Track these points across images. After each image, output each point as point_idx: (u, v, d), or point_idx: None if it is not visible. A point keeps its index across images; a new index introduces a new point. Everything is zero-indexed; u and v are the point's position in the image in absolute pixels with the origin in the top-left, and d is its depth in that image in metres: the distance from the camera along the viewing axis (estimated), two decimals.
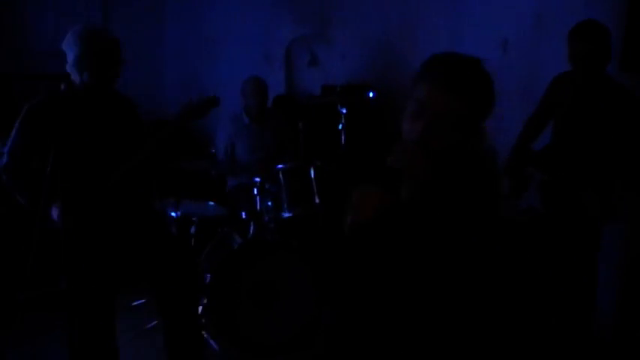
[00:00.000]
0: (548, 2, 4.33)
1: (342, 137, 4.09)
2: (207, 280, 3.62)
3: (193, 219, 4.07)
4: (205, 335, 3.61)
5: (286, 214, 3.82)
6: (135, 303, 4.22)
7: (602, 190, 3.19)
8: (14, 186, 2.89)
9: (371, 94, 5.22)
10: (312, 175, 3.87)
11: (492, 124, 5.01)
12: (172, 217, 3.98)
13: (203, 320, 3.60)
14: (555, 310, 3.51)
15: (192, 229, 4.05)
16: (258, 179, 3.89)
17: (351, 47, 6.23)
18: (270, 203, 3.93)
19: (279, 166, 3.87)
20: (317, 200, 3.84)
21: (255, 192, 3.90)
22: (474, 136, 1.71)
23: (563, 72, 3.49)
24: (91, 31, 2.86)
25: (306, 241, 3.81)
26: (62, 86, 2.76)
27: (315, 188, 3.86)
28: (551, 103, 3.58)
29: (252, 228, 3.88)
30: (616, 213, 3.23)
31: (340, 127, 4.06)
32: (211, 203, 4.45)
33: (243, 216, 4.01)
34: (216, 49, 6.40)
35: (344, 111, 4.03)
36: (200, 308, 3.58)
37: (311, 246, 3.80)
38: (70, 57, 2.81)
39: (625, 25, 3.34)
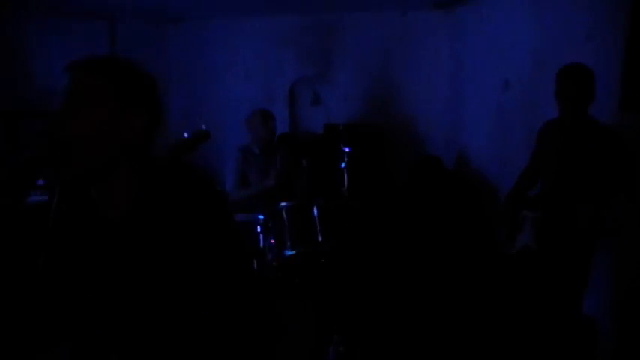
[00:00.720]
0: (548, 42, 4.39)
1: (345, 176, 4.11)
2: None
3: None
4: None
5: (289, 252, 3.81)
6: None
7: (595, 205, 3.27)
8: None
9: (372, 134, 5.31)
10: (315, 214, 3.87)
11: (497, 162, 5.07)
12: None
13: None
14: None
15: None
16: (261, 217, 3.89)
17: (354, 87, 6.32)
18: (272, 241, 3.93)
19: (283, 204, 3.88)
20: (320, 238, 3.84)
21: (259, 229, 3.90)
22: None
23: (548, 120, 3.62)
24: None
25: (309, 279, 3.80)
26: None
27: (319, 226, 3.87)
28: (540, 152, 3.70)
29: (254, 266, 3.86)
30: (609, 229, 3.31)
31: (343, 165, 4.08)
32: None
33: None
34: (220, 85, 6.48)
35: (347, 150, 4.05)
36: None
37: (313, 284, 3.79)
38: None
39: (624, 65, 3.40)
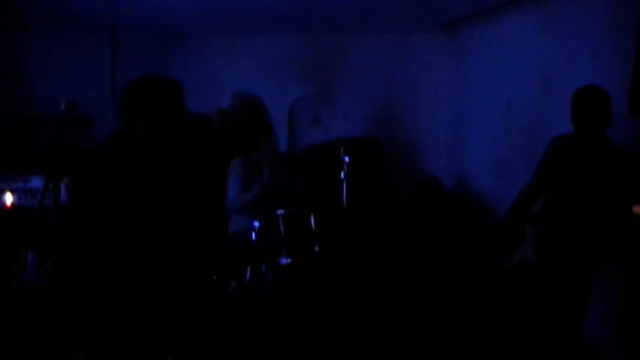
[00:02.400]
0: (552, 61, 4.38)
1: (344, 186, 4.04)
2: None
3: None
4: None
5: (284, 261, 3.72)
6: None
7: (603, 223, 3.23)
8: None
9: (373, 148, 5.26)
10: (313, 223, 3.79)
11: (499, 183, 5.02)
12: None
13: None
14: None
15: None
16: (257, 224, 3.81)
17: (353, 108, 6.29)
18: (267, 251, 3.84)
19: (280, 212, 3.80)
20: (316, 248, 3.75)
21: (254, 237, 3.81)
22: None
23: (558, 136, 3.57)
24: None
25: (304, 289, 3.71)
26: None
27: (315, 236, 3.78)
28: (548, 167, 3.65)
29: (248, 274, 3.77)
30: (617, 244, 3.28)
31: (342, 175, 4.02)
32: None
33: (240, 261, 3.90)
34: (221, 102, 6.41)
35: (346, 159, 4.00)
36: None
37: (308, 295, 3.70)
38: None
39: (632, 72, 3.39)
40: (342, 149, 4.14)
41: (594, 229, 3.25)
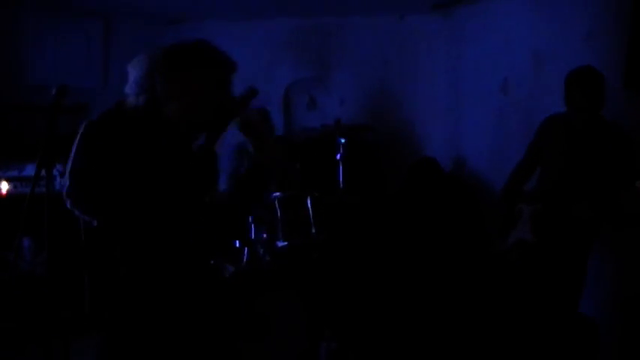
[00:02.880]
0: (546, 40, 4.35)
1: (340, 168, 4.03)
2: None
3: None
4: None
5: (281, 243, 3.71)
6: None
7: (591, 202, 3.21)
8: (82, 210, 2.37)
9: (370, 133, 5.23)
10: (309, 205, 3.78)
11: (495, 164, 5.00)
12: None
13: None
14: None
15: None
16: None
17: (350, 91, 6.27)
18: (264, 235, 3.83)
19: (276, 194, 3.79)
20: (313, 230, 3.74)
21: (250, 219, 3.80)
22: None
23: (552, 115, 3.55)
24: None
25: (301, 271, 3.71)
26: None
27: (312, 219, 3.77)
28: (542, 147, 3.65)
29: (245, 256, 3.77)
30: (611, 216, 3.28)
31: (338, 157, 4.00)
32: None
33: (237, 244, 3.89)
34: None
35: (342, 141, 3.98)
36: None
37: (305, 277, 3.70)
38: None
39: (627, 47, 3.36)
40: (337, 132, 4.12)
41: (589, 206, 3.23)
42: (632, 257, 3.67)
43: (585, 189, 3.30)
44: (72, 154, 2.36)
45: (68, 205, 2.37)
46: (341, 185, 4.17)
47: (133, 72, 2.43)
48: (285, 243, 3.71)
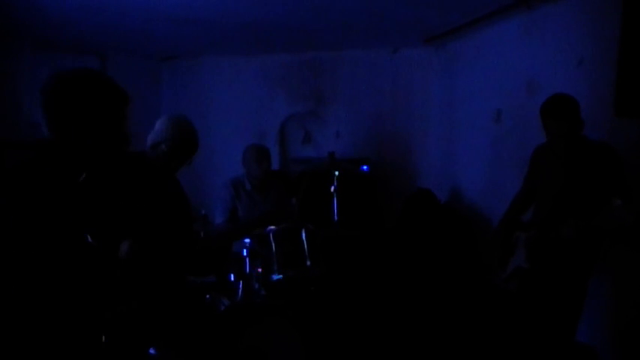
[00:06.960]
0: (538, 69, 4.39)
1: (335, 200, 4.03)
2: None
3: None
4: None
5: (276, 277, 3.69)
6: None
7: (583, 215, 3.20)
8: None
9: (365, 167, 5.24)
10: (304, 238, 3.77)
11: (490, 193, 5.00)
12: None
13: None
14: None
15: None
16: (247, 240, 3.79)
17: (345, 125, 6.31)
18: (259, 270, 3.81)
19: (270, 228, 3.77)
20: (308, 263, 3.72)
21: (245, 253, 3.78)
22: None
23: (539, 145, 3.61)
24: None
25: (296, 304, 3.67)
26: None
27: (307, 251, 3.76)
28: (535, 176, 3.68)
29: (240, 290, 3.73)
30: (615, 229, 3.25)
31: (333, 189, 4.00)
32: None
33: (232, 278, 3.87)
34: (211, 122, 6.42)
35: (336, 173, 3.99)
36: None
37: (301, 310, 3.66)
38: None
39: (616, 74, 3.39)
40: (332, 165, 4.13)
41: (574, 225, 3.22)
42: (630, 284, 3.65)
43: (578, 211, 3.29)
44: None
45: None
46: (336, 218, 4.16)
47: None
48: (280, 276, 3.68)
